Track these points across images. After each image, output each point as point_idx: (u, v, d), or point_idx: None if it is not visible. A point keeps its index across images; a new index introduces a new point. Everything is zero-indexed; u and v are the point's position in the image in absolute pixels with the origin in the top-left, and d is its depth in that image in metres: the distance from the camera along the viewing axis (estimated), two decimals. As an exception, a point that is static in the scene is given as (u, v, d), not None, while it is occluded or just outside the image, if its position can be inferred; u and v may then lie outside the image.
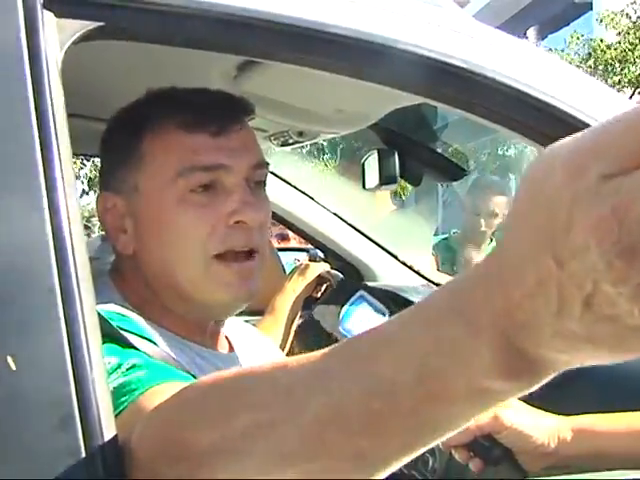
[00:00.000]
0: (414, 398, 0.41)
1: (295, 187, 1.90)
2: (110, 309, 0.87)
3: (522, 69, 0.90)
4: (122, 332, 0.84)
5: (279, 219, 1.91)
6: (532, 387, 0.41)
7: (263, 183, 1.00)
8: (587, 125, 0.89)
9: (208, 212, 0.92)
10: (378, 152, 1.56)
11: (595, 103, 0.91)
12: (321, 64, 0.87)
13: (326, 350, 0.46)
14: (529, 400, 1.02)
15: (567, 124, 0.90)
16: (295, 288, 1.54)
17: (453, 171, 1.65)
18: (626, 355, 0.36)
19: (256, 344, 1.15)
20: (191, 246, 0.91)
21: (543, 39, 15.64)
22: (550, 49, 13.87)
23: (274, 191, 1.89)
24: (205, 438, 0.51)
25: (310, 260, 1.97)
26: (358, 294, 0.89)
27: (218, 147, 0.93)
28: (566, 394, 1.24)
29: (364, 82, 0.91)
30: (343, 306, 0.86)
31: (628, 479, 0.83)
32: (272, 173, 1.89)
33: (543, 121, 0.91)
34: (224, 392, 0.53)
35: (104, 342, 0.79)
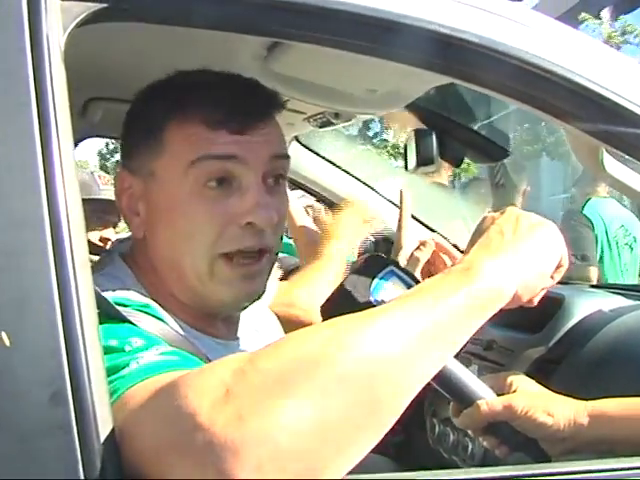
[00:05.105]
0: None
1: (333, 163, 1.89)
2: (131, 297, 0.88)
3: (561, 51, 0.88)
4: (145, 316, 0.85)
5: (320, 197, 1.92)
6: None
7: (283, 177, 0.98)
8: (611, 101, 0.86)
9: (220, 210, 0.91)
10: (415, 133, 1.53)
11: (622, 80, 0.88)
12: (350, 45, 0.85)
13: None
14: (554, 386, 1.00)
15: (598, 104, 0.88)
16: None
17: (495, 152, 1.61)
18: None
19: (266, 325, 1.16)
20: (199, 242, 0.91)
21: (616, 19, 15.06)
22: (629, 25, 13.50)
23: (314, 169, 1.90)
24: None
25: None
26: (388, 269, 0.89)
27: (236, 141, 0.91)
28: (593, 380, 1.21)
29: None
30: (374, 279, 0.87)
31: None
32: (311, 151, 1.90)
33: (579, 104, 0.89)
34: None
35: (123, 324, 0.80)
